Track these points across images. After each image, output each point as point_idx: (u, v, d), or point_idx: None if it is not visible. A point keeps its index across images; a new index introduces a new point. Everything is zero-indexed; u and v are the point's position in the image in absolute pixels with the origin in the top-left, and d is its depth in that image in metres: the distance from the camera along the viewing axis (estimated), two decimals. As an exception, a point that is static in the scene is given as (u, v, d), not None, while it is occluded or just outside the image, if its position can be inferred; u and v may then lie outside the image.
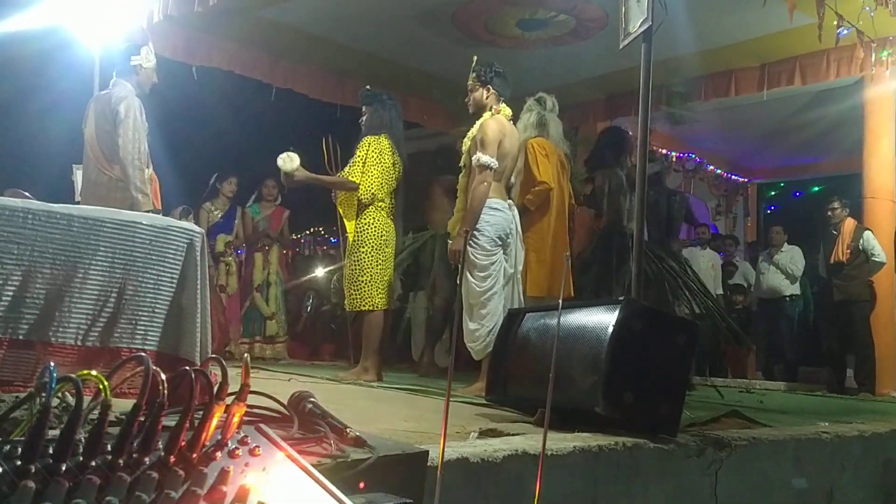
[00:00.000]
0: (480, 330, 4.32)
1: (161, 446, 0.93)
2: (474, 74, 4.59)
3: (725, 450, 2.91)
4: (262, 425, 1.11)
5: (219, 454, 0.96)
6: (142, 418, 0.94)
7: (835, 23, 5.82)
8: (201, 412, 1.02)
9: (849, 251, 7.21)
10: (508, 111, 4.63)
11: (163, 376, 0.93)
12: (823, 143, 9.59)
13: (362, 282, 5.07)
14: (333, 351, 8.50)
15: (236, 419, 1.02)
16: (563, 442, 2.50)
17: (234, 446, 0.99)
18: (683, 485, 2.77)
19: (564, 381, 2.94)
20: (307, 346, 8.73)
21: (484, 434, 2.71)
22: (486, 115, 4.50)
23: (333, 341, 8.67)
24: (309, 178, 5.16)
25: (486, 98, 4.55)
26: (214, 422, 0.97)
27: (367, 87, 5.47)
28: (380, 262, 5.11)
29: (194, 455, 0.93)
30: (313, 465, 1.18)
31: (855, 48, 6.40)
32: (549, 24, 6.95)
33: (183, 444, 0.93)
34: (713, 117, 8.87)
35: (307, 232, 15.93)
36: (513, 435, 2.61)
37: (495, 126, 4.42)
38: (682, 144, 10.38)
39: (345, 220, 5.24)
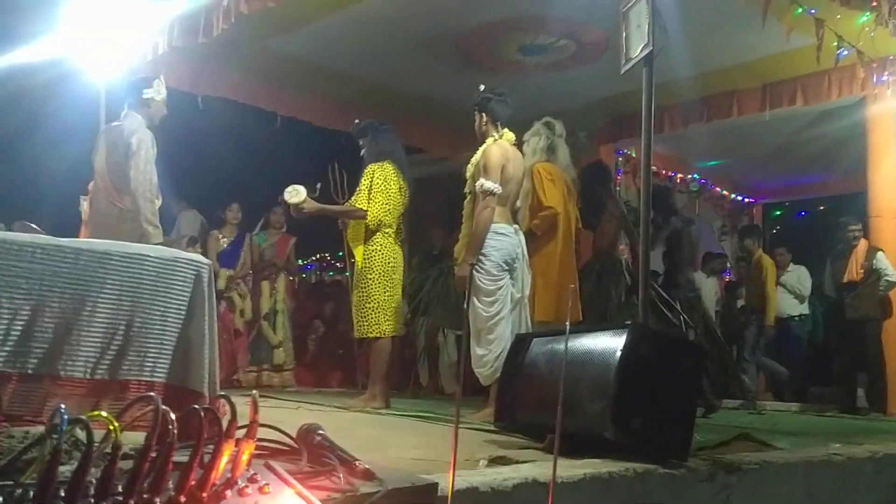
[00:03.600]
0: (488, 355, 4.31)
1: (171, 486, 0.93)
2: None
3: (736, 473, 2.89)
4: (271, 461, 1.11)
5: (228, 493, 0.97)
6: (153, 454, 0.94)
7: (835, 43, 5.85)
8: (211, 448, 1.02)
9: (862, 270, 7.18)
10: (511, 136, 4.65)
11: (172, 416, 0.94)
12: (827, 162, 9.57)
13: (369, 308, 5.07)
14: (341, 378, 8.48)
15: (245, 457, 1.03)
16: (572, 469, 2.48)
17: (243, 484, 0.99)
18: (695, 510, 2.75)
19: (573, 406, 2.92)
20: (315, 373, 8.71)
21: (493, 462, 2.70)
22: (489, 140, 4.54)
23: (341, 368, 8.64)
24: (317, 209, 5.21)
25: (484, 124, 4.59)
26: (224, 460, 0.98)
27: (357, 120, 5.52)
28: (387, 288, 5.11)
29: (204, 494, 0.93)
30: (323, 500, 1.18)
31: (855, 68, 6.42)
32: (550, 49, 7.00)
33: (193, 483, 0.93)
34: (716, 138, 8.88)
35: (314, 258, 15.96)
36: (522, 462, 2.60)
37: (498, 151, 4.45)
38: (685, 166, 10.39)
39: (351, 247, 5.25)
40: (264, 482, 1.02)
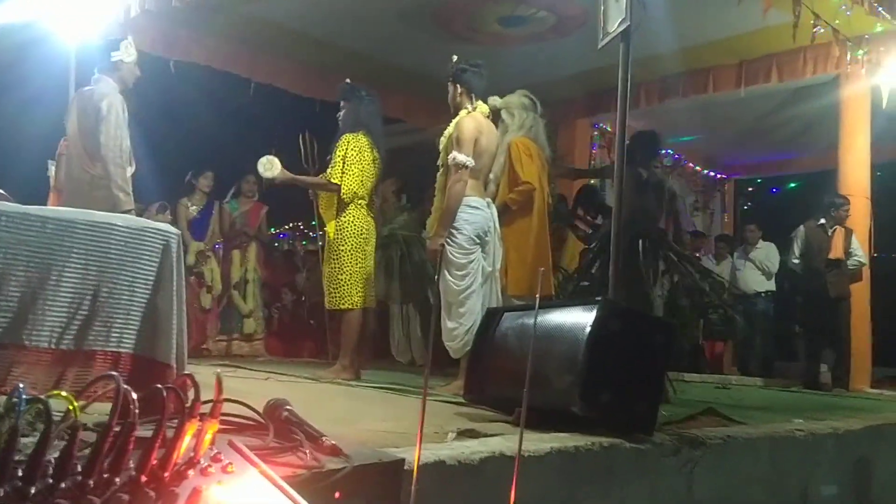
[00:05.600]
0: (458, 329, 4.32)
1: (132, 465, 0.92)
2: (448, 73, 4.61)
3: (701, 448, 2.94)
4: (235, 440, 1.10)
5: (191, 472, 0.96)
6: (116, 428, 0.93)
7: (811, 21, 5.87)
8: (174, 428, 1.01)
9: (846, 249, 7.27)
10: (485, 108, 4.62)
11: (134, 395, 0.93)
12: (800, 139, 9.67)
13: (342, 280, 5.06)
14: (312, 348, 8.47)
15: (208, 436, 1.02)
16: (540, 443, 2.51)
17: (206, 464, 0.99)
18: (660, 484, 2.80)
19: (542, 380, 2.94)
20: (286, 342, 8.69)
21: (462, 434, 2.72)
22: (462, 112, 4.50)
23: (312, 338, 8.63)
24: (290, 179, 5.17)
25: (459, 95, 4.56)
26: (186, 439, 0.97)
27: (348, 80, 5.44)
28: (359, 260, 5.10)
29: (166, 474, 0.92)
30: (288, 477, 1.18)
31: (831, 46, 6.45)
32: (529, 20, 6.96)
33: (155, 462, 0.93)
34: (691, 114, 8.91)
35: (286, 227, 15.85)
36: (491, 436, 2.62)
37: (471, 124, 4.42)
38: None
39: (324, 218, 5.22)
40: (228, 461, 1.01)
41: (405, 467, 1.66)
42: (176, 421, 1.02)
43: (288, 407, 1.58)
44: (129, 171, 4.56)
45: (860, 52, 6.40)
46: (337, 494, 1.29)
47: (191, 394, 1.11)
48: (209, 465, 0.99)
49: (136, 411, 0.92)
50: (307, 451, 1.37)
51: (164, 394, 0.97)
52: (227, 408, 1.72)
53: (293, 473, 1.25)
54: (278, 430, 1.47)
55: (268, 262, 8.54)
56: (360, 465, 1.40)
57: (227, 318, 7.64)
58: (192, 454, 0.99)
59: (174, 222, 7.72)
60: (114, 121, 4.44)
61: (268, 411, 1.55)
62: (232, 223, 7.79)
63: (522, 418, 1.76)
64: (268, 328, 8.15)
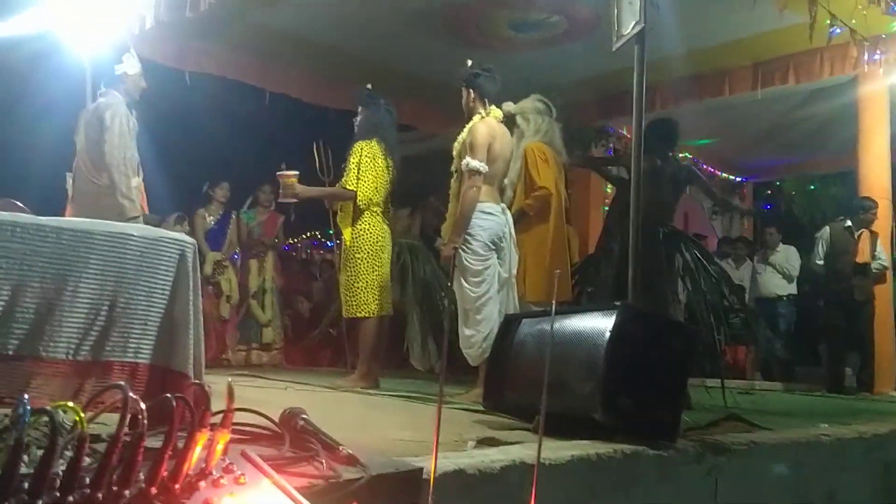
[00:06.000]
0: (476, 336, 4.28)
1: (142, 477, 0.90)
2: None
3: (725, 454, 2.89)
4: (248, 450, 1.08)
5: (202, 484, 0.93)
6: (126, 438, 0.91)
7: (827, 21, 5.80)
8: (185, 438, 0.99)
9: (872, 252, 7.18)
10: (499, 113, 4.59)
11: (143, 405, 0.91)
12: (818, 141, 9.56)
13: (358, 288, 5.04)
14: (332, 357, 8.46)
15: (220, 447, 1.00)
16: (560, 451, 2.47)
17: (218, 475, 0.96)
18: (684, 491, 2.75)
19: (562, 387, 2.91)
20: (305, 352, 8.68)
21: (481, 443, 2.68)
22: (476, 118, 4.47)
23: (331, 347, 8.62)
24: (308, 194, 5.21)
25: (471, 101, 4.53)
26: (197, 451, 0.94)
27: (369, 86, 5.42)
28: (375, 267, 5.07)
29: (177, 486, 0.90)
30: (304, 487, 1.15)
31: (848, 46, 6.39)
32: (541, 25, 6.93)
33: (165, 474, 0.90)
34: (707, 117, 8.84)
35: (304, 236, 15.89)
36: (510, 444, 2.58)
37: (484, 129, 4.39)
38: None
39: (340, 226, 5.21)
40: (240, 472, 0.99)
41: (423, 476, 1.62)
42: (187, 431, 0.99)
43: (304, 416, 1.56)
44: (136, 181, 4.59)
45: (877, 54, 6.32)
46: (354, 504, 1.26)
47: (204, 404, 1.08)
48: (221, 477, 0.97)
49: (146, 422, 0.90)
50: (323, 461, 1.35)
51: (174, 403, 0.95)
52: (242, 417, 1.70)
53: (309, 484, 1.23)
54: (294, 440, 1.44)
55: (284, 270, 8.55)
56: (378, 475, 1.37)
57: (245, 328, 7.64)
58: (203, 465, 0.96)
59: (191, 233, 7.75)
60: (117, 131, 4.47)
61: (284, 421, 1.53)
62: (249, 233, 7.80)
63: (541, 426, 1.72)
64: (287, 337, 8.14)
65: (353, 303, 5.06)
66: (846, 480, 3.49)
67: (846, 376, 7.13)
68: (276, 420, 1.55)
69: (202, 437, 0.96)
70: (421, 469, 1.57)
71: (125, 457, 0.89)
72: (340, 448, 1.45)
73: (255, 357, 7.52)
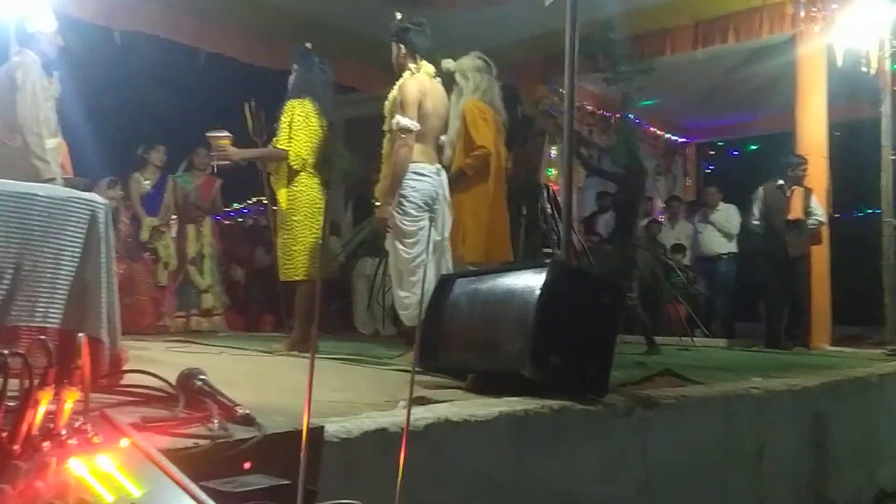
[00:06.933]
0: (411, 298, 4.23)
1: (-24, 439, 0.83)
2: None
3: (654, 408, 2.90)
4: (107, 411, 1.01)
5: (46, 444, 0.87)
6: None
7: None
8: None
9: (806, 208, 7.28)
10: (430, 68, 4.47)
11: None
12: (758, 101, 9.65)
13: (296, 251, 4.94)
14: (274, 321, 8.35)
15: (68, 406, 0.93)
16: (488, 407, 2.46)
17: (65, 435, 0.90)
18: (612, 445, 2.76)
19: (494, 345, 2.90)
20: (246, 317, 8.56)
21: (412, 402, 2.65)
22: (406, 74, 4.36)
23: (273, 311, 8.50)
24: (239, 154, 5.08)
25: (401, 56, 4.42)
26: (41, 410, 0.88)
27: (308, 45, 5.26)
28: (313, 230, 4.98)
29: (16, 446, 0.83)
30: (189, 447, 1.09)
31: (785, 4, 6.42)
32: (483, -18, 6.83)
33: (3, 434, 0.83)
34: (650, 77, 8.84)
35: (249, 202, 15.61)
36: (440, 402, 2.56)
37: (414, 86, 4.28)
38: (615, 104, 10.35)
39: (275, 188, 5.09)
40: (93, 433, 0.92)
41: (335, 439, 1.58)
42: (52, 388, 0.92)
43: (202, 377, 1.49)
44: (52, 142, 4.41)
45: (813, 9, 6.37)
46: (247, 464, 1.21)
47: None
48: (69, 437, 0.90)
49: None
50: (216, 421, 1.29)
51: (8, 361, 0.87)
52: (139, 379, 1.63)
53: (194, 444, 1.17)
54: (190, 401, 1.38)
55: (224, 236, 8.37)
56: (273, 434, 1.31)
57: (184, 294, 7.48)
58: (51, 426, 0.90)
59: (126, 198, 7.53)
60: (29, 90, 4.29)
61: (180, 382, 1.46)
62: (185, 197, 7.60)
63: (410, 393, 1.61)
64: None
65: (291, 266, 4.97)
66: (776, 432, 3.55)
67: (782, 331, 7.26)
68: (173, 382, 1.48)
69: (45, 396, 0.89)
70: (322, 427, 1.52)
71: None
72: (237, 408, 1.39)
73: (195, 323, 7.38)
